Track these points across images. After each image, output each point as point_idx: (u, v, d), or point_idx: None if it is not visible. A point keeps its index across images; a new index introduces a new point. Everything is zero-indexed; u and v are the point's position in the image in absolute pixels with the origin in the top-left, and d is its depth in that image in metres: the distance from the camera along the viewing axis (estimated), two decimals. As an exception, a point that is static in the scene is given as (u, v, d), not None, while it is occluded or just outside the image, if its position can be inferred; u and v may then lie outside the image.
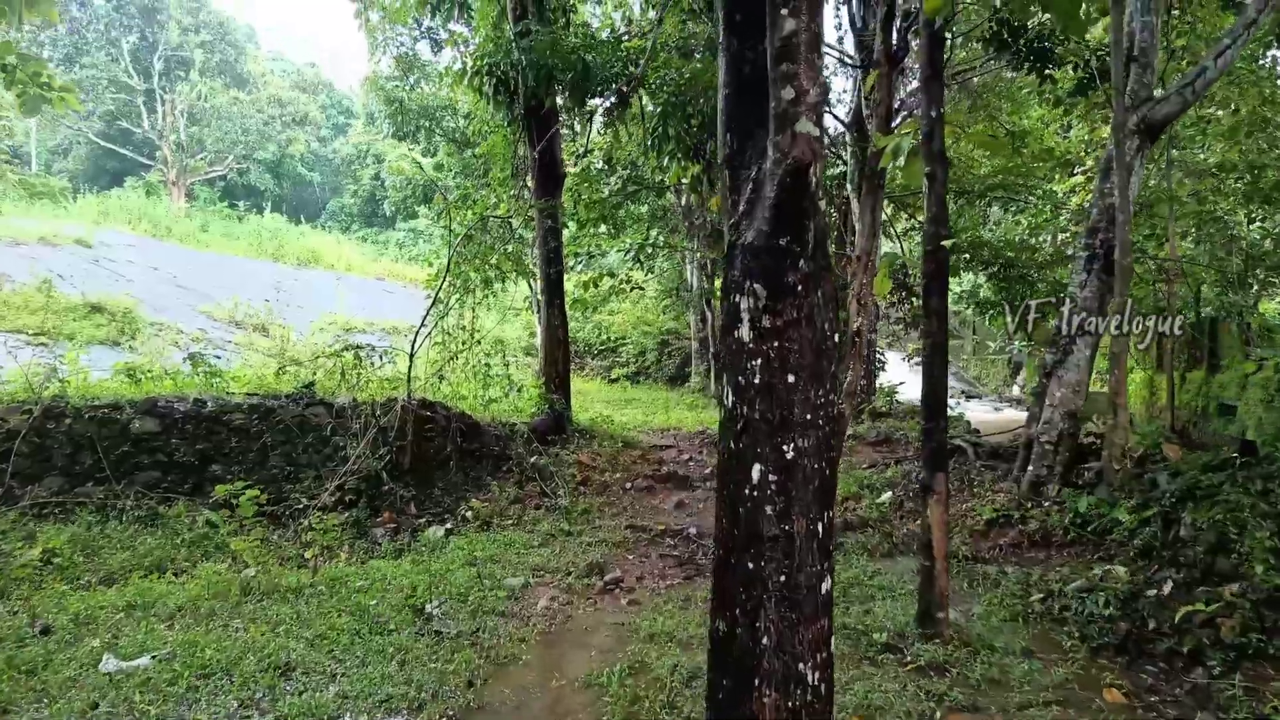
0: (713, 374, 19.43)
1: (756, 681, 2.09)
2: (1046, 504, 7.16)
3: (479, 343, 10.70)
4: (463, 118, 19.14)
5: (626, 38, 11.97)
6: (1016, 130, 14.62)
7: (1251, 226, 14.45)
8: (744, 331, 2.15)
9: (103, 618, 5.01)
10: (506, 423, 9.71)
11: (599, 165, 15.65)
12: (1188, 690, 4.23)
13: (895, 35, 8.58)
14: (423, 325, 9.29)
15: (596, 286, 16.66)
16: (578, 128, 14.92)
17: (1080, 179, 15.39)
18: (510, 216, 10.70)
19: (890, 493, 8.30)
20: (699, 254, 18.78)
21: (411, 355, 8.83)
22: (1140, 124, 7.11)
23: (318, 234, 32.98)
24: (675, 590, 6.09)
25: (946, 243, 4.86)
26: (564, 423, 10.99)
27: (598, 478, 9.52)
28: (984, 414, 17.86)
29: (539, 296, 12.30)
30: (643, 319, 23.19)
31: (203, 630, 4.84)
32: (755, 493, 2.12)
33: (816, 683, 2.12)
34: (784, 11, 1.95)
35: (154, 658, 4.42)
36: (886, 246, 16.65)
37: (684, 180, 13.01)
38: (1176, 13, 10.32)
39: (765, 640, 2.09)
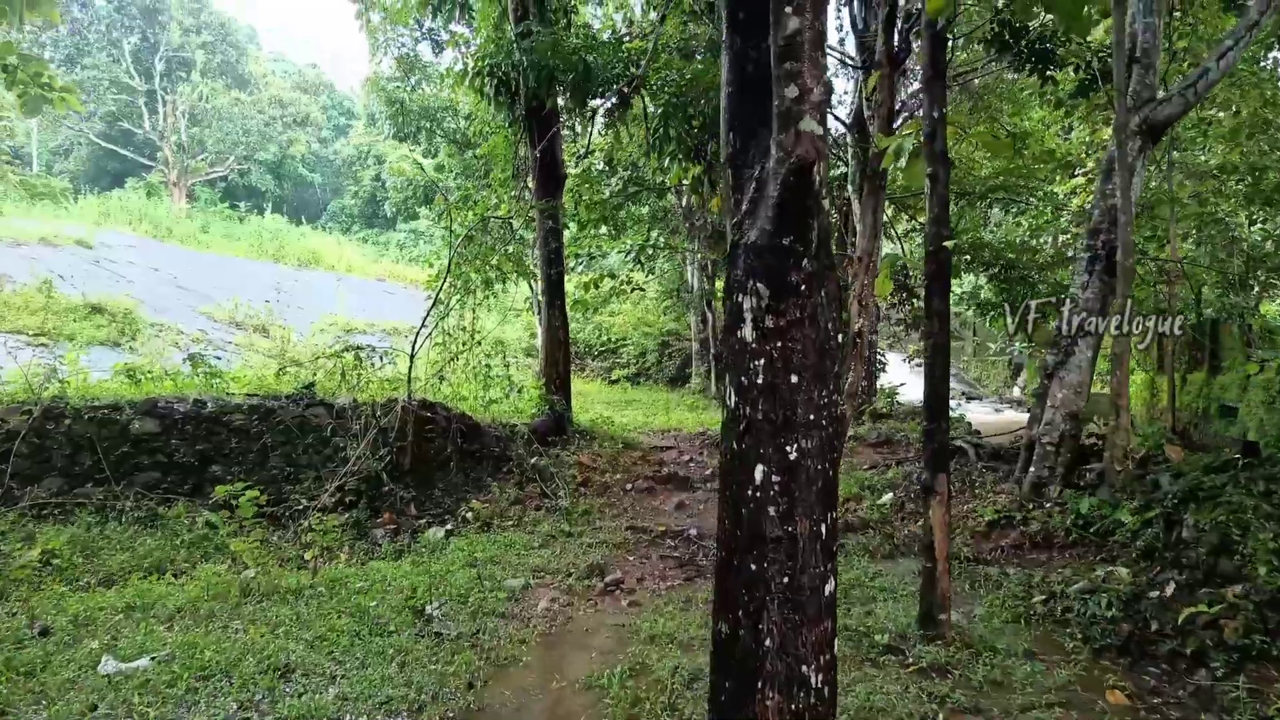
0: (713, 375, 19.41)
1: (759, 684, 2.07)
2: (1048, 505, 7.14)
3: (479, 344, 10.69)
4: (464, 119, 19.15)
5: (628, 39, 11.98)
6: (1017, 132, 14.61)
7: (1252, 228, 14.44)
8: (747, 331, 2.14)
9: (102, 619, 5.00)
10: (507, 424, 9.69)
11: (600, 166, 15.64)
12: (1191, 692, 4.21)
13: (897, 36, 8.59)
14: (423, 326, 9.28)
15: (597, 288, 16.63)
16: (579, 129, 14.91)
17: (1081, 180, 15.39)
18: (511, 217, 10.69)
19: (891, 494, 8.28)
20: (700, 255, 18.77)
21: (412, 356, 8.82)
22: (1142, 125, 7.10)
23: (318, 235, 32.98)
24: (676, 591, 6.08)
25: (949, 243, 4.85)
26: (564, 424, 10.98)
27: (598, 479, 9.51)
28: (985, 415, 17.84)
29: (539, 297, 12.28)
30: (643, 320, 23.17)
31: (202, 632, 4.83)
32: (758, 494, 2.11)
33: (820, 685, 2.11)
34: (788, 9, 1.94)
35: (153, 659, 4.40)
36: (887, 248, 16.63)
37: (685, 181, 13.00)
38: (1178, 14, 10.32)
39: (768, 642, 2.08)
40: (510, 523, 7.76)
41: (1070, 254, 15.83)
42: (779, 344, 2.10)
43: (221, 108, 36.70)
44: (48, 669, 4.28)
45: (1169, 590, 5.11)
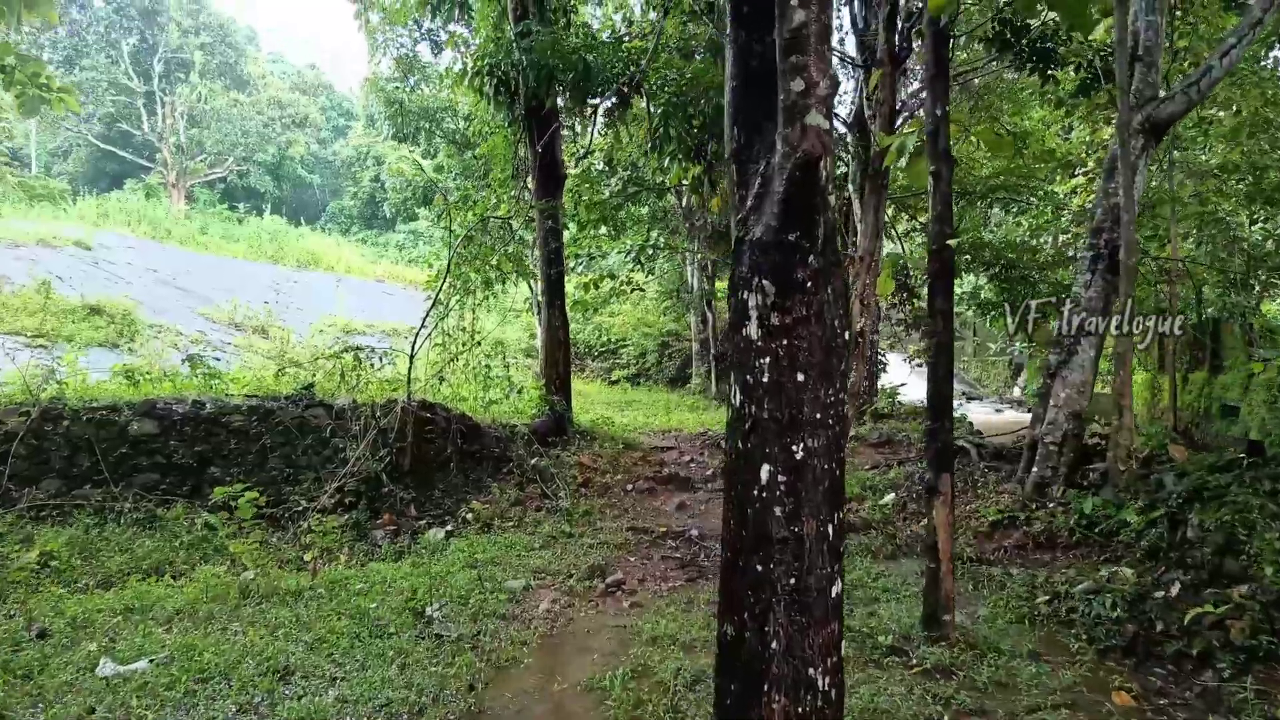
0: (713, 375, 19.39)
1: (765, 686, 2.04)
2: (1051, 505, 7.11)
3: (479, 344, 10.66)
4: (463, 119, 19.12)
5: (627, 39, 11.96)
6: (1018, 132, 14.59)
7: (1253, 227, 14.43)
8: (752, 329, 2.11)
9: (100, 621, 4.96)
10: (507, 424, 9.66)
11: (600, 166, 15.62)
12: (1198, 693, 4.18)
13: (898, 34, 8.58)
14: (422, 326, 9.25)
15: (597, 288, 16.61)
16: (578, 129, 14.89)
17: (1081, 180, 15.36)
18: (510, 217, 10.66)
19: (893, 494, 8.25)
20: (700, 255, 18.76)
21: (411, 357, 8.79)
22: (1145, 123, 7.07)
23: (317, 236, 32.97)
24: (678, 593, 6.04)
25: (952, 242, 4.82)
26: (565, 424, 10.95)
27: (599, 479, 9.47)
28: (985, 415, 17.82)
29: (539, 298, 12.25)
30: (643, 320, 23.15)
31: (201, 634, 4.79)
32: (764, 493, 2.08)
33: (827, 688, 2.08)
34: (793, 2, 1.91)
35: (151, 662, 4.37)
36: (887, 247, 16.61)
37: (685, 181, 12.99)
38: (1179, 14, 10.30)
39: (774, 644, 2.04)
40: (511, 524, 7.72)
41: (1071, 254, 15.82)
42: (785, 342, 2.07)
43: (220, 109, 36.68)
44: (45, 671, 4.25)
45: (1174, 590, 5.08)
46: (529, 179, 12.33)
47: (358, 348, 8.86)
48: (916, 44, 11.40)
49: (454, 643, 4.84)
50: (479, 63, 10.61)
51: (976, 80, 15.18)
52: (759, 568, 2.07)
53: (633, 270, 17.60)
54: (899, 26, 10.91)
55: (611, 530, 7.75)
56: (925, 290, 18.32)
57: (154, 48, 37.06)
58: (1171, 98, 7.09)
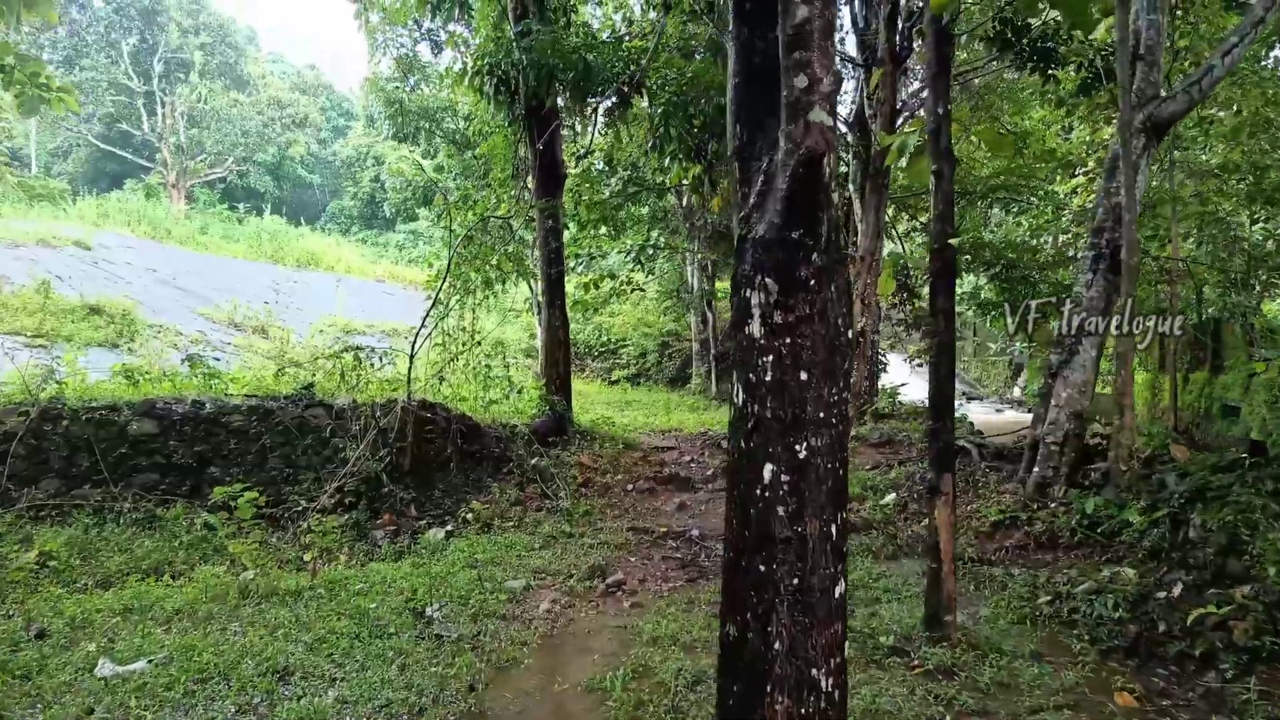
0: (713, 376, 19.37)
1: (768, 687, 2.03)
2: (1053, 505, 7.09)
3: (479, 344, 10.65)
4: (463, 119, 19.10)
5: (627, 38, 11.95)
6: (1018, 131, 14.58)
7: (1254, 227, 14.41)
8: (755, 327, 2.09)
9: (99, 621, 4.95)
10: (507, 424, 9.64)
11: (600, 166, 15.61)
12: (1201, 694, 4.16)
13: (899, 33, 8.56)
14: (422, 326, 9.23)
15: (597, 288, 16.60)
16: (578, 128, 14.88)
17: (1082, 180, 15.35)
18: (511, 217, 10.64)
19: (894, 494, 8.23)
20: (700, 255, 18.74)
21: (411, 356, 8.77)
22: (1146, 122, 7.05)
23: (317, 236, 32.95)
24: (678, 593, 6.02)
25: (954, 241, 4.80)
26: (565, 424, 10.93)
27: (599, 479, 9.46)
28: (985, 415, 17.81)
29: (539, 298, 12.24)
30: (643, 320, 23.13)
31: (200, 634, 4.77)
32: (767, 493, 2.06)
33: (830, 689, 2.06)
34: (796, -2, 1.89)
35: (150, 662, 4.35)
36: (888, 247, 16.60)
37: (685, 181, 12.98)
38: (1179, 13, 10.28)
39: (778, 645, 2.03)
40: (511, 524, 7.71)
41: (1071, 254, 15.81)
42: (788, 340, 2.05)
43: (220, 109, 36.66)
44: (44, 672, 4.23)
45: (1176, 591, 5.06)
46: (529, 178, 12.32)
47: (358, 347, 8.85)
48: (917, 43, 11.40)
49: (454, 643, 4.82)
50: (479, 62, 10.60)
51: (977, 80, 15.17)
52: (762, 568, 2.06)
53: (633, 270, 17.59)
54: (900, 25, 10.91)
55: (612, 530, 7.74)
56: (925, 290, 18.33)
57: (154, 48, 37.04)
58: (1173, 97, 7.08)
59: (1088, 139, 15.37)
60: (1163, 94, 7.25)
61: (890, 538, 7.21)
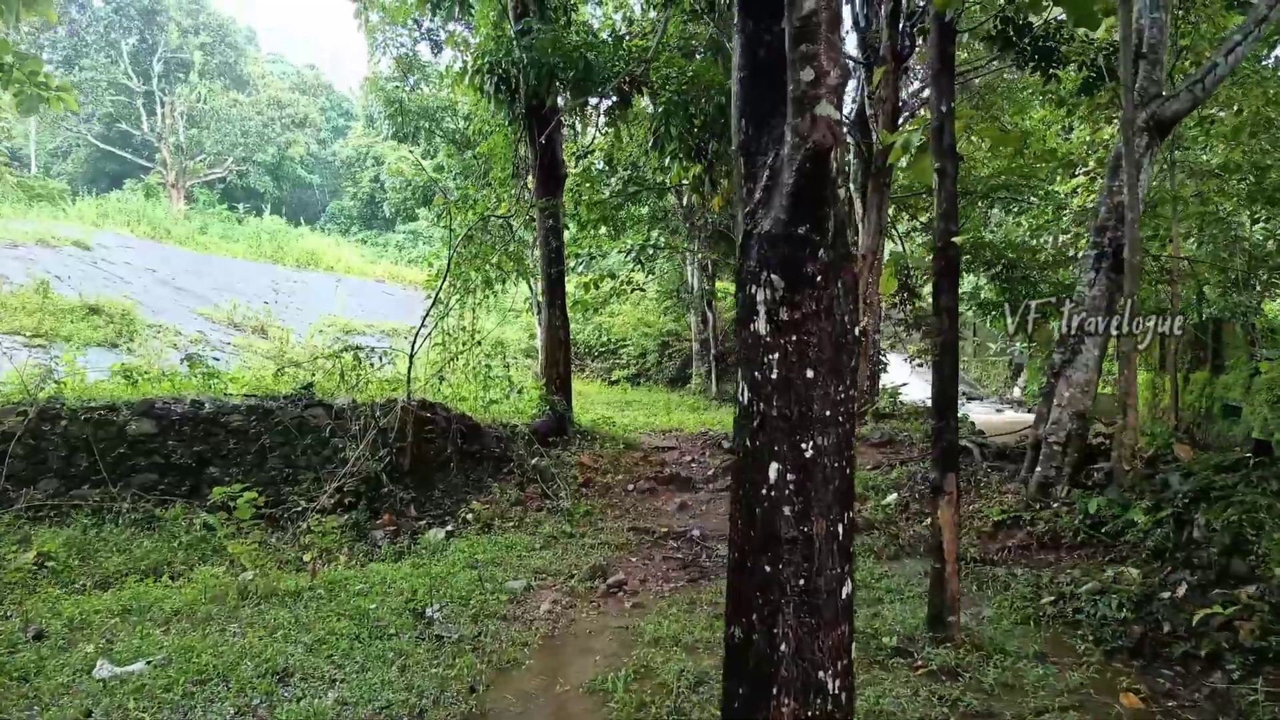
0: (713, 376, 19.34)
1: (774, 689, 2.00)
2: (1055, 505, 7.06)
3: (479, 344, 10.62)
4: (463, 119, 19.08)
5: (628, 38, 11.92)
6: (1019, 131, 14.55)
7: (1254, 227, 14.39)
8: (760, 324, 2.06)
9: (97, 622, 4.92)
10: (507, 424, 9.61)
11: (600, 165, 15.58)
12: (1207, 695, 4.13)
13: (900, 32, 8.55)
14: (422, 326, 9.20)
15: (597, 288, 16.58)
16: (579, 127, 14.85)
17: (1082, 179, 15.32)
18: (511, 216, 10.62)
19: (896, 494, 8.21)
20: (700, 255, 18.72)
21: (411, 356, 8.74)
22: (1149, 121, 7.03)
23: (317, 236, 32.90)
24: (680, 593, 6.00)
25: (957, 239, 4.78)
26: (565, 424, 10.90)
27: (599, 479, 9.43)
28: (986, 415, 17.78)
29: (539, 297, 12.21)
30: (643, 320, 23.09)
31: (199, 635, 4.74)
32: (772, 492, 2.03)
33: (837, 691, 2.03)
34: (803, -10, 1.87)
35: (149, 663, 4.32)
36: (889, 247, 16.58)
37: (685, 180, 12.96)
38: (1181, 12, 10.27)
39: (784, 647, 2.00)
40: (511, 524, 7.68)
41: (1072, 254, 15.79)
42: (794, 337, 2.03)
43: (220, 109, 36.62)
44: (42, 673, 4.20)
45: (1181, 591, 5.04)
46: (529, 178, 12.29)
47: (357, 347, 8.82)
48: (919, 41, 11.38)
49: (454, 644, 4.79)
50: (479, 61, 10.58)
51: (977, 80, 15.16)
52: (767, 568, 2.03)
53: (633, 270, 17.56)
54: (902, 24, 10.89)
55: (613, 530, 7.71)
56: (926, 290, 18.27)
57: (153, 48, 37.00)
58: (1176, 95, 7.05)
59: (1088, 139, 15.35)
60: (1165, 93, 7.22)
61: (892, 538, 7.18)
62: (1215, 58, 6.83)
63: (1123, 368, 6.94)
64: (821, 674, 2.01)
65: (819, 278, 2.00)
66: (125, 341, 14.24)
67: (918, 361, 21.12)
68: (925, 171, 5.11)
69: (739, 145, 2.23)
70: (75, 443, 7.03)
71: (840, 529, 2.06)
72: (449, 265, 9.48)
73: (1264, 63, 12.01)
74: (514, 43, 10.24)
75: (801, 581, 2.01)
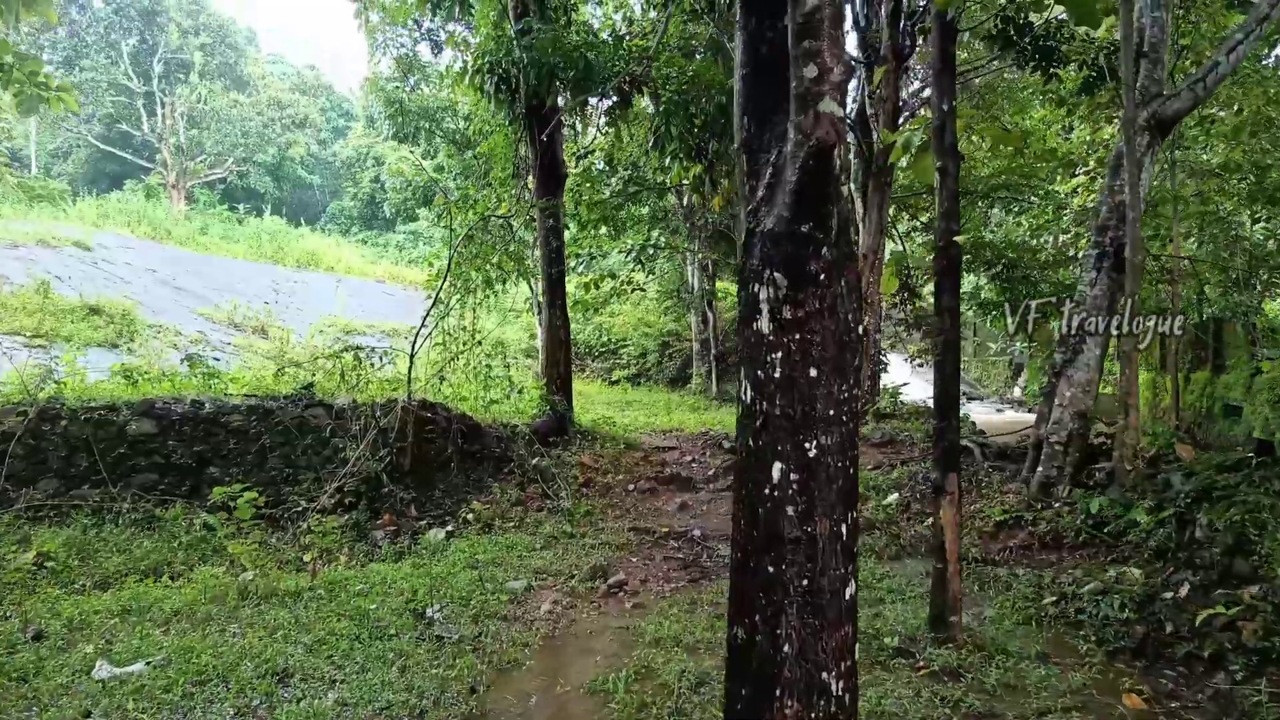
0: (714, 375, 19.33)
1: (777, 691, 1.99)
2: (1057, 505, 7.05)
3: (479, 344, 10.60)
4: (463, 119, 19.07)
5: (628, 37, 11.92)
6: (1019, 130, 14.53)
7: (1255, 227, 14.38)
8: (763, 323, 2.05)
9: (97, 623, 4.91)
10: (508, 424, 9.60)
11: (600, 165, 15.57)
12: (1210, 696, 4.12)
13: (901, 31, 8.54)
14: (423, 326, 9.19)
15: (598, 288, 16.57)
16: (579, 127, 14.84)
17: (1083, 179, 15.31)
18: (511, 216, 10.60)
19: (897, 494, 8.19)
20: (700, 255, 18.70)
21: (411, 356, 8.73)
22: (1150, 120, 7.02)
23: (317, 237, 32.88)
24: (680, 593, 5.98)
25: (959, 238, 4.76)
26: (566, 424, 10.89)
27: (600, 479, 9.41)
28: (986, 415, 17.77)
29: (539, 297, 12.20)
30: (643, 321, 23.07)
31: (199, 635, 4.73)
32: (776, 492, 2.02)
33: (840, 692, 2.02)
34: (806, -14, 1.85)
35: (149, 664, 4.31)
36: (889, 246, 16.56)
37: (685, 180, 12.95)
38: (1181, 11, 10.26)
39: (787, 648, 1.99)
40: (512, 524, 7.67)
41: (1072, 253, 15.78)
42: (797, 336, 2.01)
43: (220, 109, 36.60)
44: (41, 674, 4.19)
45: (1183, 591, 5.02)
46: (529, 178, 12.28)
47: (358, 347, 8.81)
48: (919, 41, 11.37)
49: (455, 644, 4.78)
50: (479, 60, 10.56)
51: (978, 80, 15.15)
52: (770, 569, 2.01)
53: (633, 270, 17.54)
54: (902, 23, 10.88)
55: (613, 531, 7.70)
56: (926, 289, 18.24)
57: (154, 48, 36.99)
58: (1177, 94, 7.04)
59: (1088, 138, 15.34)
60: (1166, 91, 7.21)
61: (893, 538, 7.17)
62: (1217, 56, 6.82)
63: (1124, 367, 6.92)
64: (825, 675, 2.00)
65: (822, 276, 1.99)
66: (125, 342, 14.22)
67: (918, 361, 21.09)
68: (926, 170, 5.10)
69: (741, 143, 2.21)
70: (75, 443, 7.02)
71: (844, 529, 2.05)
72: (449, 265, 9.46)
73: (1264, 62, 12.00)
74: (514, 42, 10.23)
75: (805, 582, 2.00)
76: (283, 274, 24.20)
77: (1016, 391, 24.84)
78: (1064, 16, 9.16)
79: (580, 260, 17.22)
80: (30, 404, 7.00)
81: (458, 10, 12.32)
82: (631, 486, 9.33)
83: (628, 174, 15.54)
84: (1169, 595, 5.04)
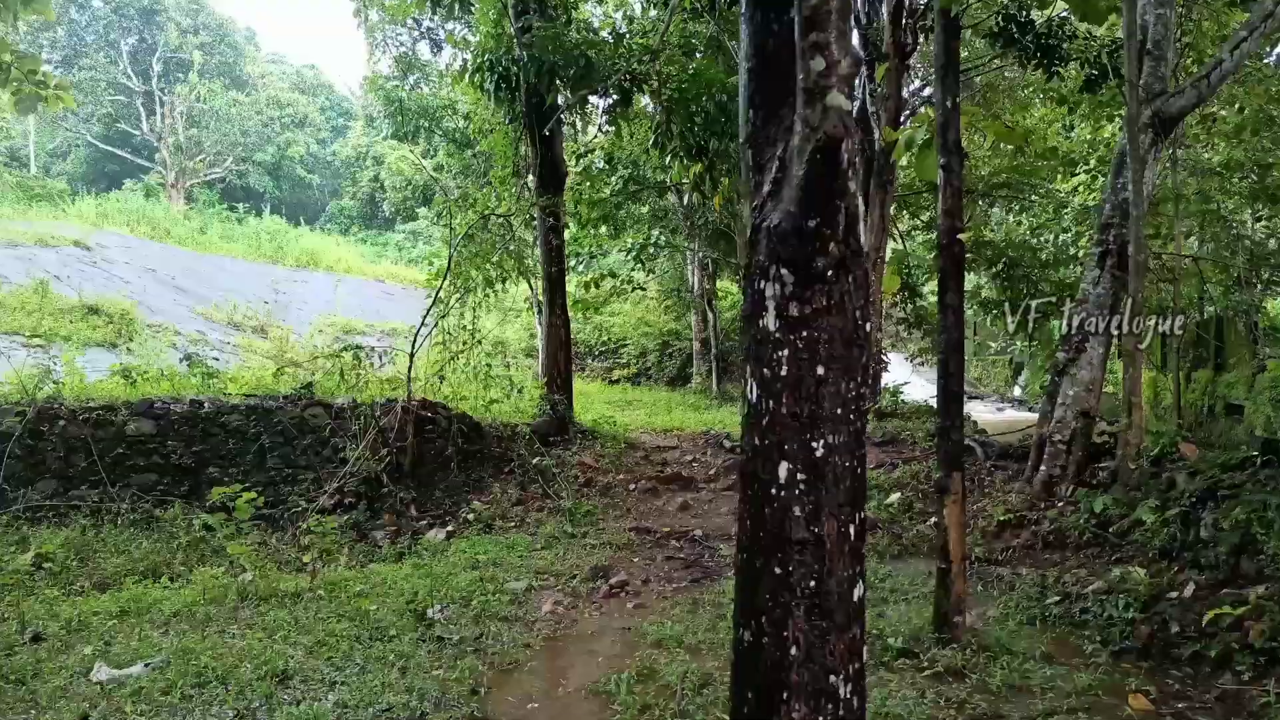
0: (714, 375, 19.28)
1: (785, 695, 1.95)
2: (1060, 504, 7.02)
3: (479, 343, 10.57)
4: (463, 118, 19.02)
5: (628, 36, 11.88)
6: (1019, 130, 14.51)
7: (1257, 225, 14.36)
8: (769, 320, 2.01)
9: (95, 624, 4.88)
10: (508, 424, 9.57)
11: (600, 164, 15.54)
12: (1217, 696, 4.08)
13: (903, 28, 8.51)
14: (422, 325, 9.16)
15: (598, 287, 16.53)
16: (579, 126, 14.81)
17: (1084, 178, 15.29)
18: (511, 215, 10.57)
19: (899, 494, 8.16)
20: (700, 254, 18.66)
21: (411, 356, 8.70)
22: (1154, 117, 6.98)
23: (317, 236, 32.80)
24: (682, 594, 5.95)
25: (963, 236, 4.73)
26: (566, 424, 10.86)
27: (601, 479, 9.39)
28: (987, 415, 17.75)
29: (540, 297, 12.16)
30: (644, 320, 23.02)
31: (198, 637, 4.70)
32: (782, 493, 1.99)
33: (848, 696, 1.99)
34: (813, -22, 1.82)
35: (147, 666, 4.28)
36: (890, 245, 16.53)
37: (686, 179, 12.92)
38: (1183, 9, 10.24)
39: (794, 651, 1.95)
40: (512, 524, 7.64)
41: (1073, 252, 15.76)
42: (804, 334, 1.98)
43: (219, 109, 36.51)
44: (39, 676, 4.16)
45: (1189, 591, 4.99)
46: (530, 176, 12.25)
47: (357, 347, 8.79)
48: (921, 39, 11.34)
49: (456, 645, 4.75)
50: (479, 59, 10.54)
51: (979, 79, 15.12)
52: (777, 570, 1.98)
53: (633, 269, 17.51)
54: (904, 20, 10.85)
55: (614, 530, 7.67)
56: (927, 288, 18.20)
57: (153, 47, 36.93)
58: (1180, 92, 7.02)
59: (1089, 137, 15.32)
60: (1169, 89, 7.18)
61: (895, 538, 7.13)
62: (1221, 53, 6.80)
63: (1128, 366, 6.89)
64: (833, 678, 1.97)
65: (830, 272, 1.96)
66: (124, 341, 14.17)
67: (919, 360, 21.06)
68: (929, 168, 5.06)
69: (747, 137, 2.18)
70: (74, 443, 6.99)
71: (851, 529, 2.02)
72: (449, 264, 9.43)
73: (1265, 61, 11.98)
74: (514, 41, 10.20)
75: (812, 584, 1.96)
76: (282, 273, 24.16)
77: (1017, 390, 24.83)
78: (1066, 14, 9.14)
79: (580, 259, 17.19)
80: (29, 404, 6.97)
81: (457, 8, 12.28)
82: (632, 486, 9.30)
83: (628, 173, 15.50)
84: (1174, 595, 5.00)
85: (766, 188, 2.04)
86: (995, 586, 5.89)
